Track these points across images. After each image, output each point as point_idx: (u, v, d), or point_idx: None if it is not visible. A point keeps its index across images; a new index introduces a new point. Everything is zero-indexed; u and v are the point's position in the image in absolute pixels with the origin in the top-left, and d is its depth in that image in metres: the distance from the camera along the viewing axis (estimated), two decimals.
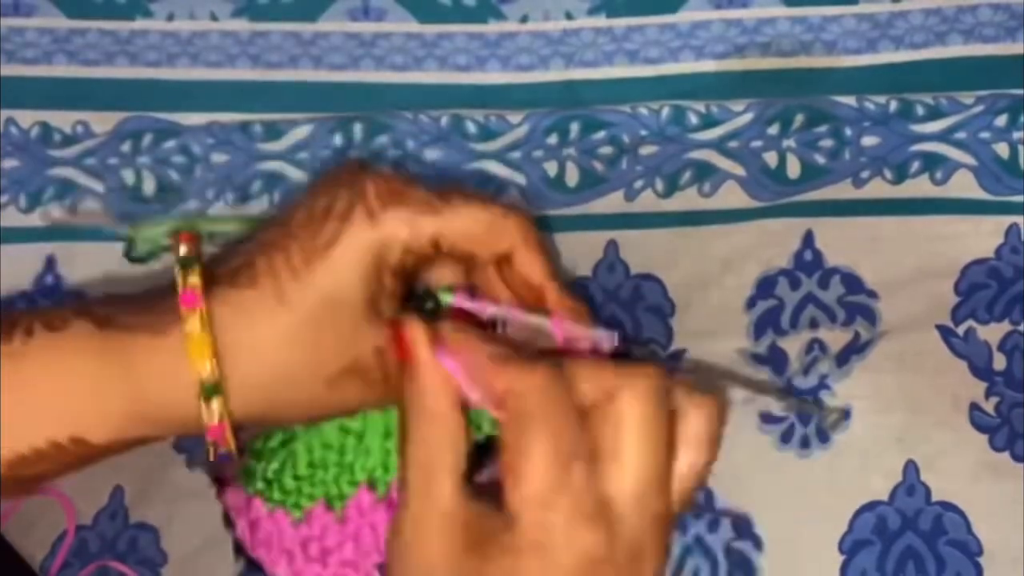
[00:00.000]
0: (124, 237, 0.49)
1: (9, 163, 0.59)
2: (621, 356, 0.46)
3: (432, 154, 0.58)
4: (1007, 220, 0.55)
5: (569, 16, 0.60)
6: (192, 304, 0.43)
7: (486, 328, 0.47)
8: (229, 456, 0.46)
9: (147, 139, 0.59)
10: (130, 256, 0.49)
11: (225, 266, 0.45)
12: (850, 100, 0.57)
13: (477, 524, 0.41)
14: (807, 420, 0.53)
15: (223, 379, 0.43)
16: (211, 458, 0.46)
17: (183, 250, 0.45)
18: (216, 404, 0.43)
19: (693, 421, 0.42)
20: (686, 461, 0.42)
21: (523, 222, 0.47)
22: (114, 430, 0.44)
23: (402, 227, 0.44)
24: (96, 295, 0.55)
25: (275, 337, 0.44)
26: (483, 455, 0.44)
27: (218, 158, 0.58)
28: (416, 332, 0.43)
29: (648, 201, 0.57)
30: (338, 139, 0.58)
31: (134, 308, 0.45)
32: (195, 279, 0.44)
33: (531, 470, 0.40)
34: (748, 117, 0.57)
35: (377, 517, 0.47)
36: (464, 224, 0.45)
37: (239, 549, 0.48)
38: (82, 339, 0.44)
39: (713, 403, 0.43)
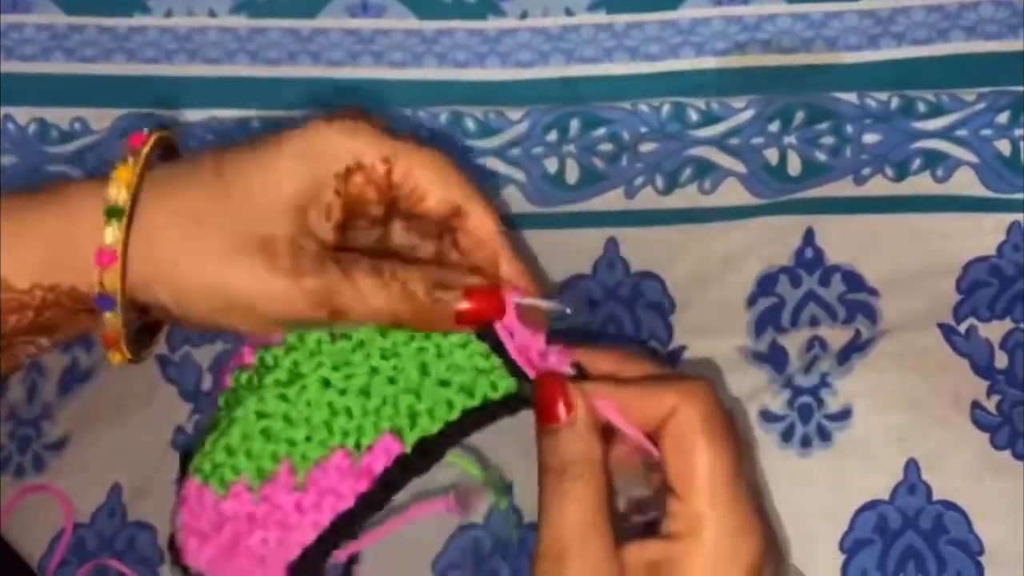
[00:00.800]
0: None
1: (7, 160, 0.59)
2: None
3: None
4: (1009, 217, 0.55)
5: (569, 12, 0.60)
6: (137, 144, 0.44)
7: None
8: (110, 300, 0.44)
9: None
10: None
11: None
12: (851, 97, 0.57)
13: (634, 565, 0.41)
14: (808, 418, 0.53)
15: (131, 212, 0.43)
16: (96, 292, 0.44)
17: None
18: (116, 229, 0.43)
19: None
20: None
21: (473, 179, 0.46)
22: (31, 273, 0.43)
23: (353, 134, 0.44)
24: None
25: (196, 193, 0.44)
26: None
27: None
28: (573, 387, 0.43)
29: (648, 198, 0.57)
30: None
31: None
32: (151, 132, 0.45)
33: (704, 486, 0.41)
34: (749, 114, 0.57)
35: (290, 503, 0.43)
36: (418, 157, 0.45)
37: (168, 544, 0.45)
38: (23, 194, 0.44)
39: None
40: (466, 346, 0.44)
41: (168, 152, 0.46)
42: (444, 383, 0.44)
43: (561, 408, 0.42)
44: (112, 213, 0.43)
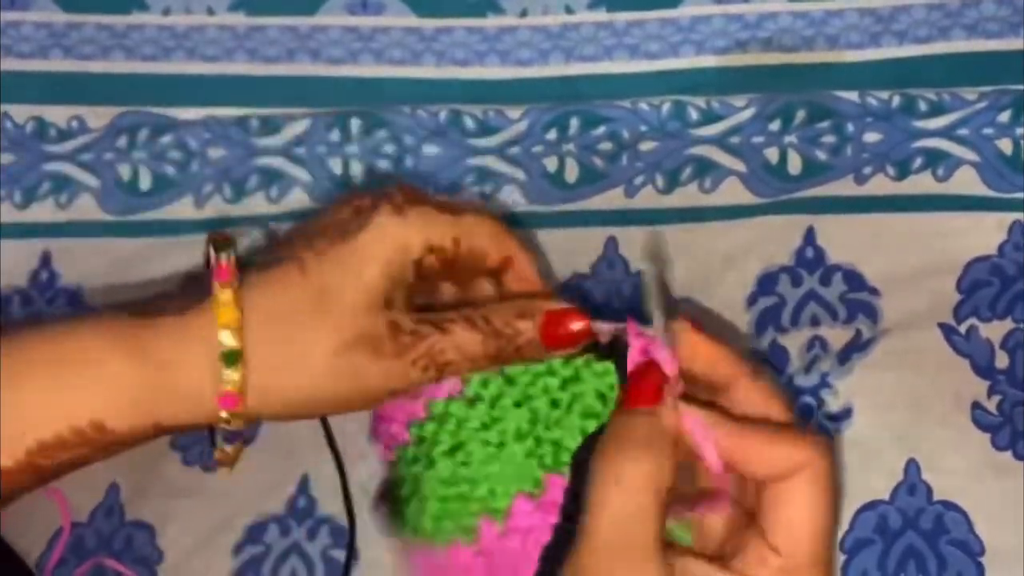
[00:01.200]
0: None
1: (5, 158, 0.59)
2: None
3: (430, 149, 0.58)
4: (1010, 217, 0.55)
5: (569, 10, 0.60)
6: (226, 278, 0.45)
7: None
8: (238, 435, 0.47)
9: (143, 134, 0.59)
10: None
11: (255, 261, 0.47)
12: (852, 96, 0.57)
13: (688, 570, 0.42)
14: (808, 417, 0.52)
15: (244, 349, 0.45)
16: (215, 443, 0.47)
17: (218, 239, 0.47)
18: (234, 372, 0.44)
19: None
20: None
21: (514, 232, 0.49)
22: (132, 415, 0.45)
23: (425, 223, 0.46)
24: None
25: (293, 305, 0.45)
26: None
27: (215, 153, 0.58)
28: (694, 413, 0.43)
29: (648, 197, 0.57)
30: (336, 134, 0.58)
31: (162, 297, 0.47)
32: (227, 256, 0.46)
33: (810, 545, 0.41)
34: (749, 113, 0.57)
35: (503, 546, 0.45)
36: (476, 224, 0.48)
37: None
38: (107, 324, 0.45)
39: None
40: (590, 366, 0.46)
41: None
42: (570, 410, 0.46)
43: (654, 395, 0.43)
44: (229, 360, 0.44)
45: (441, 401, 0.46)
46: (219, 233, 0.47)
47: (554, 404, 0.46)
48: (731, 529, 0.44)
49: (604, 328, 0.46)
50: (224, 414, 0.45)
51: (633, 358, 0.44)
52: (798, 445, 0.42)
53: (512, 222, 0.55)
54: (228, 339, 0.44)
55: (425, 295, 0.48)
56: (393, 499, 0.48)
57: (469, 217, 0.48)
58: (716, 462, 0.42)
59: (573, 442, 0.45)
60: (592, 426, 0.45)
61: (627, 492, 0.41)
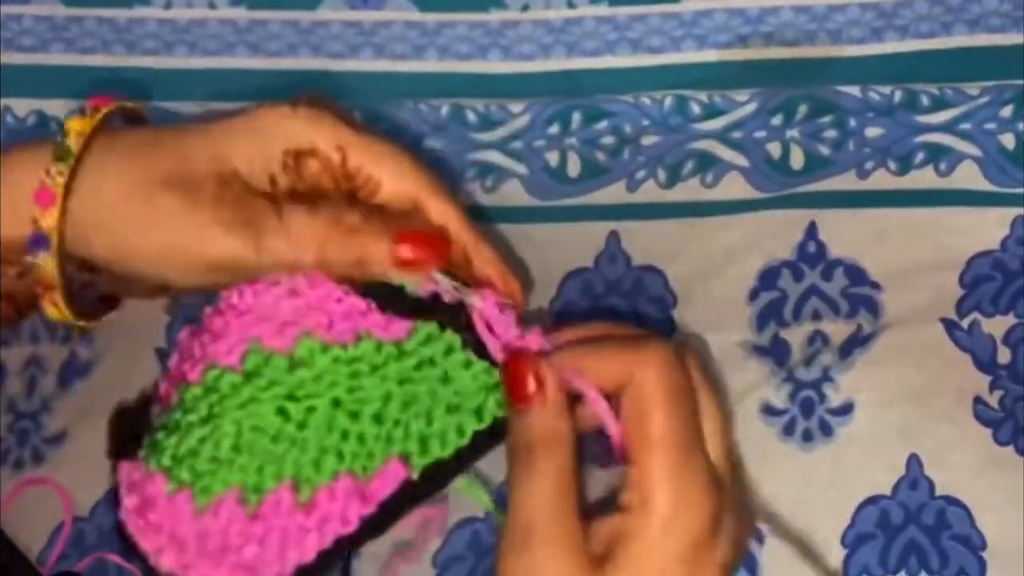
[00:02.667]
0: None
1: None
2: None
3: (432, 143, 0.58)
4: (1012, 212, 0.54)
5: (571, 5, 0.60)
6: (101, 103, 0.45)
7: None
8: (45, 240, 0.44)
9: None
10: None
11: None
12: (854, 90, 0.57)
13: (599, 535, 0.41)
14: (810, 412, 0.52)
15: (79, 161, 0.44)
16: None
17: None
18: (61, 167, 0.44)
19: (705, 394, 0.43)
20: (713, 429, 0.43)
21: (432, 172, 0.47)
22: None
23: (313, 121, 0.45)
24: None
25: (139, 149, 0.45)
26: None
27: None
28: (543, 364, 0.42)
29: (650, 192, 0.57)
30: None
31: None
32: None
33: (656, 455, 0.40)
34: (751, 107, 0.57)
35: (292, 523, 0.42)
36: (372, 148, 0.46)
37: (119, 531, 0.43)
38: None
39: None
40: (470, 367, 0.44)
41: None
42: (454, 408, 0.44)
43: (531, 387, 0.42)
44: (60, 155, 0.44)
45: (218, 370, 0.43)
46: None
47: (434, 395, 0.44)
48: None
49: (443, 282, 0.44)
50: (39, 217, 0.43)
51: (498, 347, 0.44)
52: (624, 355, 0.41)
53: (512, 216, 0.56)
54: (67, 140, 0.44)
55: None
56: (160, 427, 0.44)
57: (365, 136, 0.46)
58: (604, 408, 0.42)
59: (450, 440, 0.43)
60: (473, 426, 0.44)
61: (538, 489, 0.41)
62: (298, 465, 0.43)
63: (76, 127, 0.44)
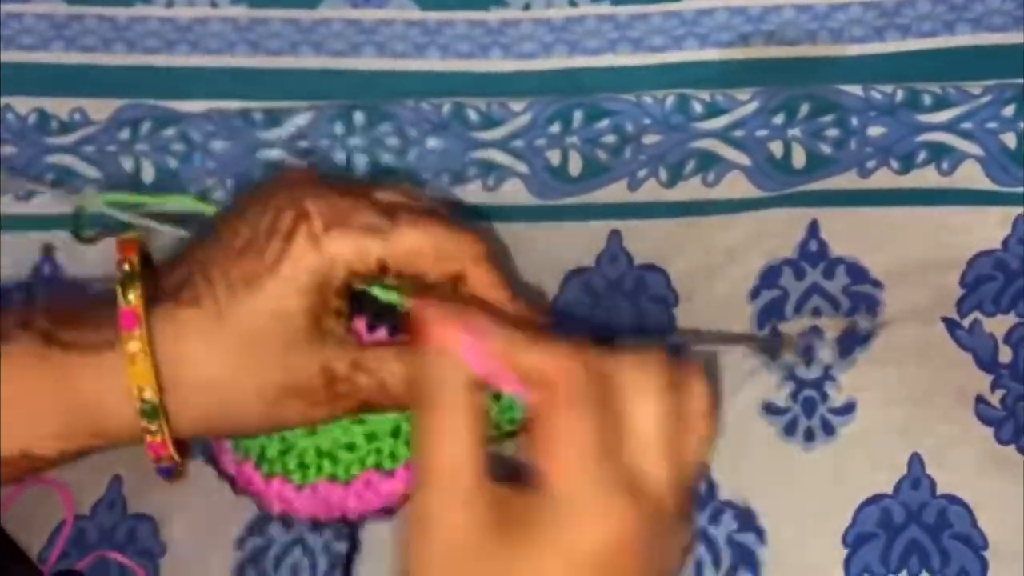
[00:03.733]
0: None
1: (6, 150, 0.58)
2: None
3: (433, 142, 0.57)
4: (1014, 211, 0.54)
5: (572, 3, 0.60)
6: (131, 326, 0.44)
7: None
8: (173, 469, 0.47)
9: (146, 126, 0.58)
10: (77, 235, 0.51)
11: (167, 279, 0.46)
12: (856, 89, 0.57)
13: (503, 504, 0.40)
14: (811, 411, 0.52)
15: (163, 398, 0.44)
16: (155, 471, 0.47)
17: (125, 265, 0.45)
18: (156, 425, 0.44)
19: (695, 394, 0.42)
20: (693, 435, 0.42)
21: (474, 241, 0.47)
22: (59, 443, 0.45)
23: (346, 249, 0.45)
24: (42, 300, 0.55)
25: (214, 355, 0.44)
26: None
27: (218, 146, 0.58)
28: (445, 318, 0.41)
29: (652, 191, 0.56)
30: (339, 127, 0.58)
31: (77, 322, 0.45)
32: (134, 297, 0.44)
33: (567, 444, 0.40)
34: (753, 106, 0.57)
35: (383, 487, 0.49)
36: (411, 246, 0.45)
37: (228, 478, 0.50)
38: (26, 355, 0.45)
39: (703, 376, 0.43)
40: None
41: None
42: None
43: (439, 333, 0.41)
44: (150, 415, 0.44)
45: None
46: (127, 242, 0.46)
47: None
48: None
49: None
50: (154, 458, 0.45)
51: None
52: (548, 357, 0.41)
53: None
54: (147, 394, 0.44)
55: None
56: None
57: (399, 235, 0.45)
58: (512, 383, 0.41)
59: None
60: None
61: (441, 438, 0.40)
62: (377, 460, 0.48)
63: (132, 350, 0.43)
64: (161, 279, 0.46)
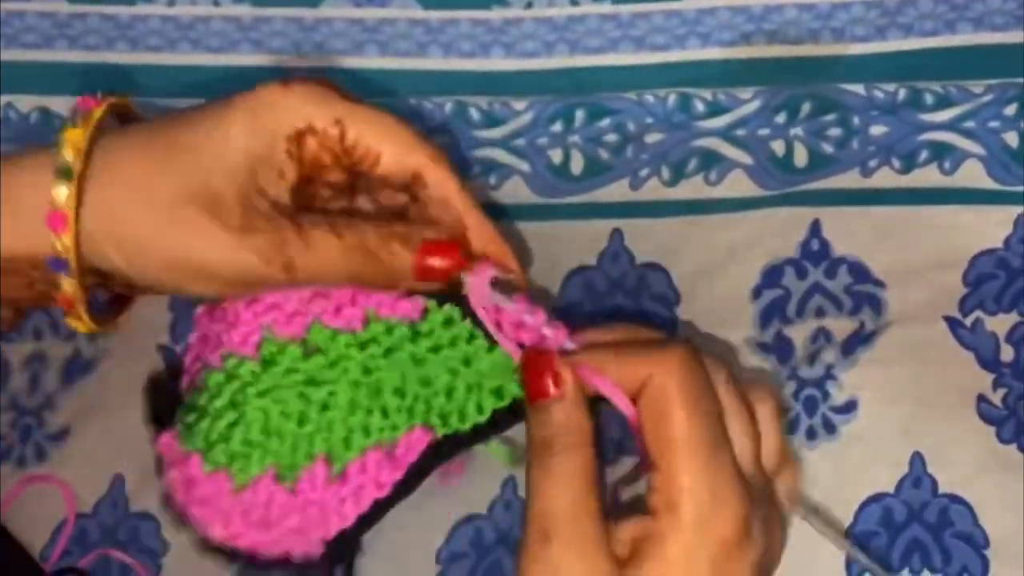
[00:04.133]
0: None
1: (8, 148, 0.58)
2: None
3: (436, 141, 0.57)
4: (1015, 210, 0.54)
5: (574, 2, 0.60)
6: (89, 105, 0.44)
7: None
8: (64, 263, 0.44)
9: None
10: None
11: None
12: (858, 88, 0.57)
13: (624, 539, 0.41)
14: (813, 410, 0.52)
15: (81, 173, 0.43)
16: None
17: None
18: (64, 188, 0.43)
19: (760, 403, 0.43)
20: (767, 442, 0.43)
21: (434, 144, 0.46)
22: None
23: (307, 97, 0.44)
24: None
25: (143, 152, 0.44)
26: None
27: None
28: (561, 361, 0.42)
29: (654, 189, 0.56)
30: None
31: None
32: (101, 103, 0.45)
33: (679, 457, 0.40)
34: (755, 105, 0.57)
35: (328, 495, 0.44)
36: (370, 119, 0.45)
37: (166, 501, 0.45)
38: None
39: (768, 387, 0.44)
40: (492, 351, 0.44)
41: (124, 120, 0.46)
42: (473, 387, 0.44)
43: (549, 383, 0.42)
44: (62, 174, 0.43)
45: (236, 359, 0.45)
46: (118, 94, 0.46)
47: (454, 374, 0.44)
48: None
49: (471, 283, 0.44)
50: (55, 240, 0.43)
51: (513, 338, 0.43)
52: (641, 356, 0.41)
53: (515, 213, 0.56)
54: (65, 156, 0.43)
55: (318, 200, 0.46)
56: (191, 408, 0.45)
57: (361, 107, 0.45)
58: (628, 408, 0.41)
59: (470, 415, 0.44)
60: (492, 404, 0.44)
61: (557, 487, 0.40)
62: (328, 443, 0.44)
63: (72, 138, 0.43)
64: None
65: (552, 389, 0.42)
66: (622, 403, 0.41)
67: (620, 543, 0.40)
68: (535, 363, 0.42)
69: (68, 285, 0.44)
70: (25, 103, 0.59)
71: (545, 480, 0.41)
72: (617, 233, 0.56)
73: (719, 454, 0.40)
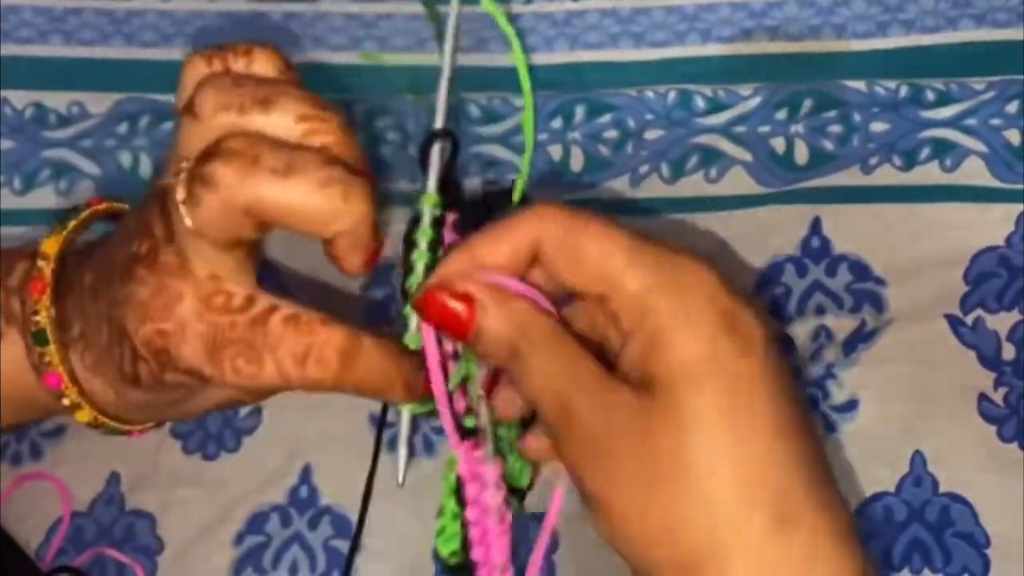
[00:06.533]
0: None
1: (4, 144, 0.58)
2: None
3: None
4: (1018, 208, 0.54)
5: None
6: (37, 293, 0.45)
7: None
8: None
9: (144, 120, 0.58)
10: None
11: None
12: (859, 85, 0.57)
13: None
14: (813, 408, 0.52)
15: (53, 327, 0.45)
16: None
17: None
18: (49, 350, 0.45)
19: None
20: None
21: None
22: None
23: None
24: None
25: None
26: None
27: None
28: (459, 284, 0.41)
29: (654, 186, 0.56)
30: None
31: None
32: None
33: (614, 261, 0.40)
34: (755, 102, 0.57)
35: None
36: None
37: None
38: None
39: None
40: None
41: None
42: None
43: (456, 306, 0.40)
44: (38, 338, 0.45)
45: None
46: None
47: None
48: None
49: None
50: (62, 399, 0.45)
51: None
52: (515, 222, 0.41)
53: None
54: (43, 322, 0.45)
55: None
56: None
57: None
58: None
59: None
60: None
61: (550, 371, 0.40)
62: None
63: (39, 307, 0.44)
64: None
65: (462, 310, 0.40)
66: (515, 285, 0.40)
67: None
68: (432, 299, 0.41)
69: (83, 417, 0.47)
70: (21, 98, 0.59)
71: (534, 379, 0.40)
72: None
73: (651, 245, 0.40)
